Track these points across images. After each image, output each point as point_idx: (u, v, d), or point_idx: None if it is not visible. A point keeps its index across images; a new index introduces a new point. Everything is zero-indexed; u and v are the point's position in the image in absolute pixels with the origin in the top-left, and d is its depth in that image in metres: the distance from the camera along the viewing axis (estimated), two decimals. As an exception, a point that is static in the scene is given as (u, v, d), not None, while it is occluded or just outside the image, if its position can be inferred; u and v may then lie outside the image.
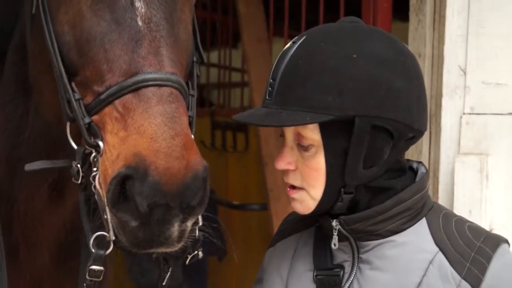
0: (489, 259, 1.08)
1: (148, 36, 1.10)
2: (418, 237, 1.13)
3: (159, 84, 1.07)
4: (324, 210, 1.16)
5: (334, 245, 1.15)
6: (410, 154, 2.03)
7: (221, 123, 3.46)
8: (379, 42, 1.14)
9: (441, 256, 1.10)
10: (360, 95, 1.08)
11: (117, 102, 1.07)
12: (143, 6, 1.11)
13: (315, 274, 1.18)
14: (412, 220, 1.14)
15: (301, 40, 1.14)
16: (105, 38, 1.10)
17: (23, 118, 1.45)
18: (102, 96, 1.08)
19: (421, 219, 1.15)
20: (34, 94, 1.37)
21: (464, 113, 1.92)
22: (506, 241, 1.12)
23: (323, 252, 1.19)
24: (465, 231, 1.12)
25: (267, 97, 1.14)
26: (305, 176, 1.14)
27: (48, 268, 1.64)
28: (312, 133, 1.11)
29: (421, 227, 1.14)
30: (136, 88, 1.06)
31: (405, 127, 1.11)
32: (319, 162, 1.12)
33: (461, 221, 1.16)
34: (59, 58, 1.14)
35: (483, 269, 1.07)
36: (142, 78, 1.06)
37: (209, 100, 4.22)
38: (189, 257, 1.23)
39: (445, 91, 1.97)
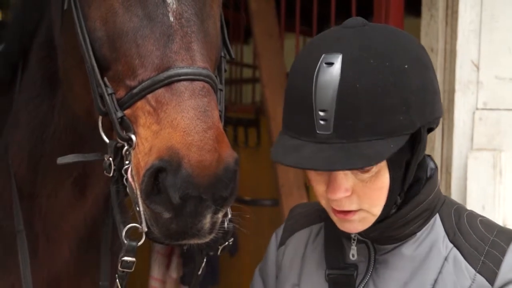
0: (503, 253, 1.09)
1: (179, 32, 1.12)
2: (432, 234, 1.14)
3: (191, 78, 1.09)
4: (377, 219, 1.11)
5: (353, 255, 1.15)
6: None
7: (232, 119, 3.44)
8: (411, 44, 1.10)
9: (455, 251, 1.11)
10: (421, 105, 1.04)
11: (149, 96, 1.09)
12: (174, 2, 1.14)
13: (327, 273, 1.17)
14: (428, 219, 1.14)
15: (339, 60, 1.02)
16: (137, 34, 1.13)
17: (48, 114, 1.47)
18: (135, 90, 1.10)
19: (435, 215, 1.15)
20: (62, 90, 1.40)
21: (477, 109, 1.94)
22: None
23: (335, 251, 1.19)
24: (477, 225, 1.13)
25: (318, 131, 1.02)
26: (366, 197, 1.07)
27: (68, 263, 1.67)
28: None
29: (435, 224, 1.15)
30: (168, 83, 1.08)
31: (438, 120, 1.12)
32: (384, 180, 1.07)
33: (473, 215, 1.17)
34: (91, 53, 1.16)
35: (498, 263, 1.08)
36: (174, 72, 1.08)
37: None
38: (220, 248, 1.26)
39: (457, 86, 1.99)
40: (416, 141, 1.08)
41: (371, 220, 1.10)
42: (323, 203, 1.11)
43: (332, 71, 1.02)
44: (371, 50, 1.04)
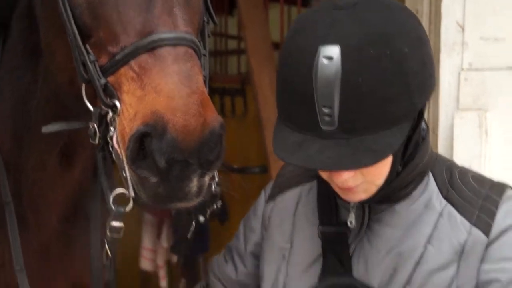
0: (497, 205, 1.11)
1: None
2: (426, 192, 1.15)
3: (174, 43, 1.08)
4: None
5: (351, 223, 1.15)
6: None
7: (218, 89, 3.46)
8: (408, 21, 1.06)
9: (449, 207, 1.13)
10: (422, 86, 1.04)
11: (132, 62, 1.08)
12: None
13: (320, 230, 1.18)
14: (422, 179, 1.16)
15: (338, 53, 0.99)
16: (120, 0, 1.11)
17: (31, 86, 1.46)
18: (118, 57, 1.10)
19: (428, 174, 1.17)
20: (44, 60, 1.38)
21: (462, 69, 1.93)
22: (510, 187, 1.16)
23: (328, 208, 1.20)
24: (469, 181, 1.15)
25: (322, 127, 1.00)
26: (370, 174, 1.08)
27: (57, 231, 1.68)
28: None
29: (429, 182, 1.16)
30: (151, 48, 1.07)
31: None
32: (387, 158, 1.06)
33: (464, 171, 1.19)
34: (72, 21, 1.15)
35: (492, 215, 1.10)
36: (157, 37, 1.08)
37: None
38: (209, 211, 1.28)
39: (443, 48, 1.96)
40: (416, 120, 1.08)
41: (374, 190, 1.11)
42: (325, 177, 1.11)
43: (332, 66, 0.99)
44: (369, 37, 1.00)
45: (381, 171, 1.08)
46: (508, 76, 1.89)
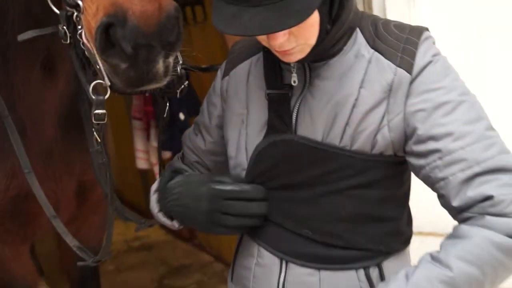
0: (416, 46, 1.11)
1: None
2: (356, 45, 1.15)
3: None
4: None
5: (294, 82, 1.16)
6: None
7: (179, 0, 3.37)
8: None
9: (376, 54, 1.12)
10: None
11: None
12: None
13: (267, 92, 1.19)
14: (351, 35, 1.16)
15: None
16: None
17: (2, 3, 1.42)
18: None
19: (356, 30, 1.16)
20: None
21: None
22: (427, 29, 1.16)
23: (273, 74, 1.20)
24: (392, 29, 1.15)
25: None
26: (301, 35, 1.06)
27: (55, 138, 1.69)
28: None
29: (357, 36, 1.16)
30: None
31: None
32: (314, 18, 1.04)
33: (387, 22, 1.18)
34: None
35: (412, 55, 1.10)
36: None
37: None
38: (178, 91, 1.29)
39: None
40: None
41: (308, 49, 1.10)
42: (265, 44, 1.11)
43: None
44: None
45: (311, 31, 1.06)
46: None
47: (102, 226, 2.04)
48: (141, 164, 3.31)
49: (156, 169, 3.24)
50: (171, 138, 2.47)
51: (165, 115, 1.39)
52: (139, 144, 3.29)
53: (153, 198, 1.36)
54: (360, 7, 2.02)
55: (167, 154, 2.91)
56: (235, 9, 1.00)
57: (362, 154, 1.13)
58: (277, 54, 1.13)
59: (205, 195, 1.22)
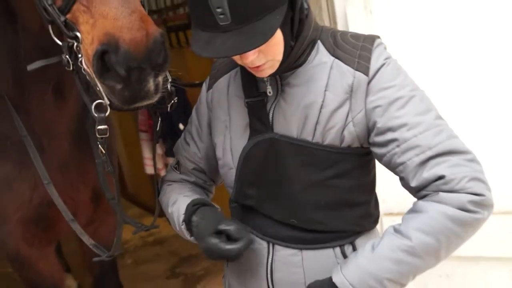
0: (370, 51, 1.12)
1: None
2: (318, 55, 1.15)
3: None
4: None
5: (270, 92, 1.16)
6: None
7: (173, 26, 3.35)
8: None
9: (337, 61, 1.13)
10: None
11: None
12: None
13: (245, 101, 1.20)
14: (313, 47, 1.16)
15: None
16: None
17: (15, 39, 1.42)
18: None
19: (317, 42, 1.16)
20: (19, 16, 1.33)
21: None
22: (378, 37, 1.17)
23: (250, 84, 1.20)
24: (348, 39, 1.16)
25: (220, 23, 0.98)
26: (269, 53, 1.07)
27: (70, 152, 1.68)
28: None
29: (319, 47, 1.16)
30: None
31: None
32: (279, 37, 1.05)
33: (344, 33, 1.19)
34: None
35: (368, 59, 1.11)
36: None
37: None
38: (169, 105, 1.29)
39: None
40: (293, 2, 1.07)
41: (277, 65, 1.11)
42: (239, 62, 1.12)
43: None
44: None
45: (277, 49, 1.07)
46: None
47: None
48: (149, 169, 3.31)
49: (163, 173, 3.24)
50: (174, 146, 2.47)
51: (157, 128, 1.38)
52: (146, 152, 3.29)
53: (181, 226, 1.29)
54: (327, 21, 2.03)
55: (171, 160, 2.91)
56: (209, 36, 1.00)
57: (333, 148, 1.14)
58: (251, 71, 1.13)
59: (207, 244, 1.17)
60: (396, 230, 1.05)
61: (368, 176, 1.23)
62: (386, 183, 1.38)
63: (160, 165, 3.24)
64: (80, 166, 1.72)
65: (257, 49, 1.03)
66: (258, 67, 1.09)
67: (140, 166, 3.67)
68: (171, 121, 2.88)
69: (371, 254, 1.06)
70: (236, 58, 1.09)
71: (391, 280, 1.04)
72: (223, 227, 1.16)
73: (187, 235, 1.30)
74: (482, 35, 1.75)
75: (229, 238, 1.15)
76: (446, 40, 1.81)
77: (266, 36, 0.98)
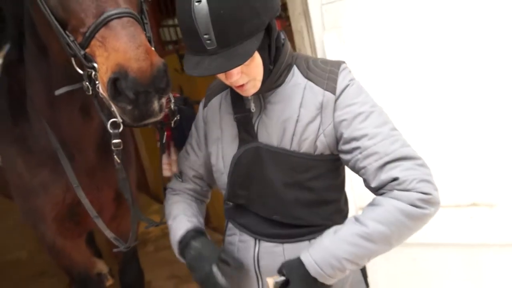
0: (337, 74, 1.12)
1: None
2: (294, 78, 1.16)
3: (119, 16, 1.06)
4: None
5: (253, 109, 1.17)
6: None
7: (182, 55, 3.37)
8: None
9: (310, 83, 1.14)
10: (265, 7, 1.03)
11: (97, 35, 1.07)
12: None
13: (234, 116, 1.20)
14: (289, 70, 1.16)
15: None
16: None
17: (48, 70, 1.43)
18: (87, 34, 1.09)
19: (293, 66, 1.17)
20: (49, 50, 1.35)
21: (322, 4, 1.87)
22: (344, 62, 1.17)
23: (238, 102, 1.21)
24: (319, 64, 1.16)
25: (208, 48, 0.99)
26: (251, 73, 1.07)
27: (96, 160, 1.69)
28: None
29: (294, 71, 1.17)
30: (105, 22, 1.06)
31: (279, 9, 1.09)
32: (258, 60, 1.06)
33: (316, 59, 1.20)
34: (53, 18, 1.12)
35: (335, 80, 1.12)
36: (107, 14, 1.06)
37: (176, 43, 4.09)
38: (173, 121, 1.29)
39: None
40: (269, 30, 1.08)
41: (258, 85, 1.11)
42: (227, 82, 1.12)
43: (203, 7, 0.98)
44: None
45: (257, 70, 1.08)
46: (352, 4, 1.83)
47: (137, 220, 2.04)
48: (166, 173, 3.30)
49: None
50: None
51: (164, 141, 1.39)
52: (164, 158, 3.28)
53: (176, 242, 1.27)
54: (308, 48, 2.03)
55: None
56: (198, 58, 1.01)
57: (308, 155, 1.14)
58: (237, 90, 1.13)
59: (204, 274, 1.16)
60: (356, 219, 1.06)
61: (339, 178, 1.23)
62: (359, 182, 1.37)
63: (174, 168, 3.24)
64: (104, 172, 1.73)
65: (240, 70, 1.05)
66: (242, 86, 1.09)
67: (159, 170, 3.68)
68: (183, 132, 2.89)
69: (333, 237, 1.06)
70: (223, 78, 1.09)
71: (348, 260, 1.04)
72: (223, 256, 1.16)
73: (177, 253, 1.28)
74: (436, 64, 1.75)
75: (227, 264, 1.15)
76: (404, 62, 1.81)
77: (245, 57, 0.99)
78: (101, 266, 3.16)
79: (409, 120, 1.78)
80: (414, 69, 1.79)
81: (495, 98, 1.69)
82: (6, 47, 1.73)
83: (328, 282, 1.06)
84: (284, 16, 2.46)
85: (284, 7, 2.14)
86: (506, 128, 1.70)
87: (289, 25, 2.09)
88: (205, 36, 0.98)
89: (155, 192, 4.72)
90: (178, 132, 1.51)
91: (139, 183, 4.95)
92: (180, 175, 1.41)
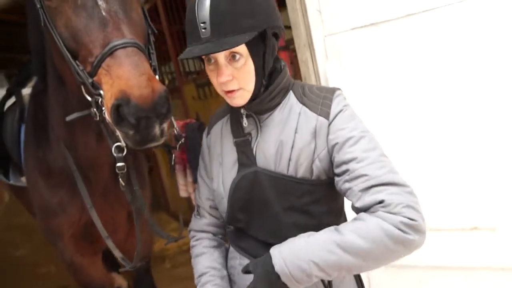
0: (331, 100, 1.09)
1: (111, 20, 1.10)
2: (289, 103, 1.13)
3: (124, 46, 1.06)
4: (253, 97, 1.08)
5: (245, 124, 1.14)
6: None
7: (202, 83, 3.40)
8: None
9: (304, 108, 1.10)
10: (264, 13, 1.01)
11: (103, 64, 1.07)
12: (103, 3, 1.11)
13: (234, 140, 1.17)
14: (285, 94, 1.14)
15: None
16: (86, 28, 1.10)
17: (66, 97, 1.45)
18: (94, 64, 1.09)
19: (289, 92, 1.15)
20: (64, 79, 1.36)
21: (325, 36, 1.87)
22: (339, 89, 1.14)
23: (237, 127, 1.18)
24: (314, 90, 1.13)
25: (202, 36, 0.99)
26: (242, 80, 1.04)
27: (110, 180, 1.68)
28: (241, 48, 1.02)
29: (290, 96, 1.14)
30: (111, 52, 1.06)
31: (280, 28, 1.07)
32: (250, 66, 1.03)
33: (311, 86, 1.17)
34: (65, 49, 1.14)
35: (328, 106, 1.08)
36: (112, 45, 1.06)
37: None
38: (178, 145, 1.27)
39: (312, 25, 1.89)
40: (265, 39, 1.04)
41: (247, 96, 1.06)
42: (219, 91, 1.09)
43: (206, 2, 0.99)
44: None
45: (248, 77, 1.04)
46: (352, 36, 1.84)
47: (149, 240, 2.01)
48: (183, 193, 3.28)
49: (193, 196, 3.21)
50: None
51: (173, 163, 1.36)
52: (180, 180, 3.27)
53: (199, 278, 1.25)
54: (312, 76, 2.02)
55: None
56: (192, 47, 1.01)
57: (305, 180, 1.09)
58: (226, 98, 1.10)
59: None
60: (336, 228, 0.99)
61: (337, 202, 1.17)
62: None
63: (190, 189, 3.22)
64: (117, 193, 1.72)
65: (231, 72, 1.02)
66: (231, 92, 1.06)
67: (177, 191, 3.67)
68: (195, 154, 2.88)
69: (308, 238, 1.00)
70: (216, 83, 1.07)
71: (317, 264, 0.95)
72: None
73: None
74: (431, 95, 1.71)
75: None
76: (401, 87, 1.78)
77: (232, 46, 0.96)
78: (120, 281, 3.11)
79: (409, 144, 1.72)
80: (412, 93, 1.75)
81: (495, 124, 1.62)
82: (35, 79, 1.79)
83: (290, 285, 0.98)
84: (291, 48, 2.47)
85: (292, 40, 2.15)
86: (506, 153, 1.62)
87: (296, 56, 2.09)
88: (202, 25, 0.98)
89: (175, 211, 4.71)
90: (193, 155, 1.50)
91: (159, 202, 4.96)
92: (197, 211, 1.34)
